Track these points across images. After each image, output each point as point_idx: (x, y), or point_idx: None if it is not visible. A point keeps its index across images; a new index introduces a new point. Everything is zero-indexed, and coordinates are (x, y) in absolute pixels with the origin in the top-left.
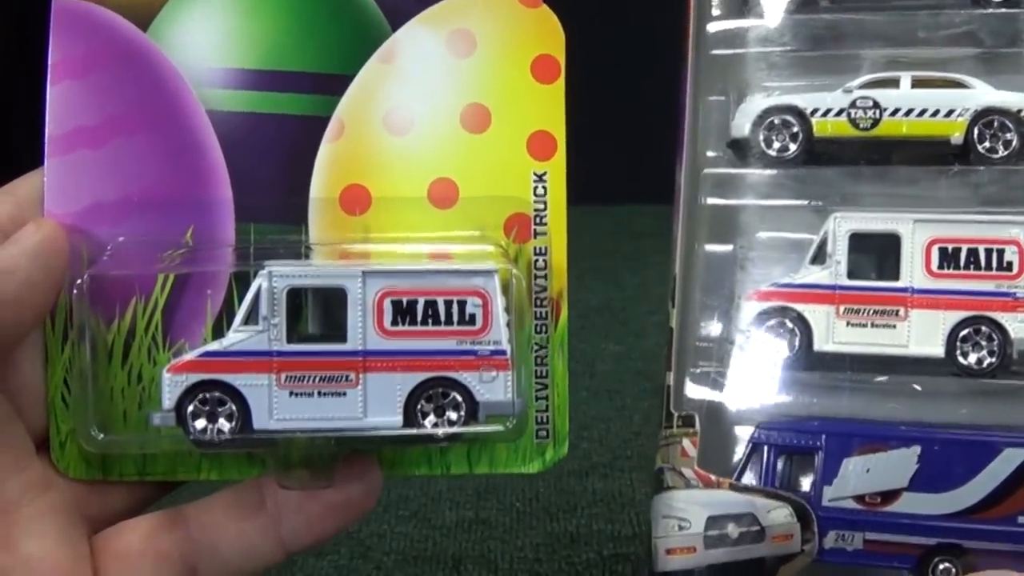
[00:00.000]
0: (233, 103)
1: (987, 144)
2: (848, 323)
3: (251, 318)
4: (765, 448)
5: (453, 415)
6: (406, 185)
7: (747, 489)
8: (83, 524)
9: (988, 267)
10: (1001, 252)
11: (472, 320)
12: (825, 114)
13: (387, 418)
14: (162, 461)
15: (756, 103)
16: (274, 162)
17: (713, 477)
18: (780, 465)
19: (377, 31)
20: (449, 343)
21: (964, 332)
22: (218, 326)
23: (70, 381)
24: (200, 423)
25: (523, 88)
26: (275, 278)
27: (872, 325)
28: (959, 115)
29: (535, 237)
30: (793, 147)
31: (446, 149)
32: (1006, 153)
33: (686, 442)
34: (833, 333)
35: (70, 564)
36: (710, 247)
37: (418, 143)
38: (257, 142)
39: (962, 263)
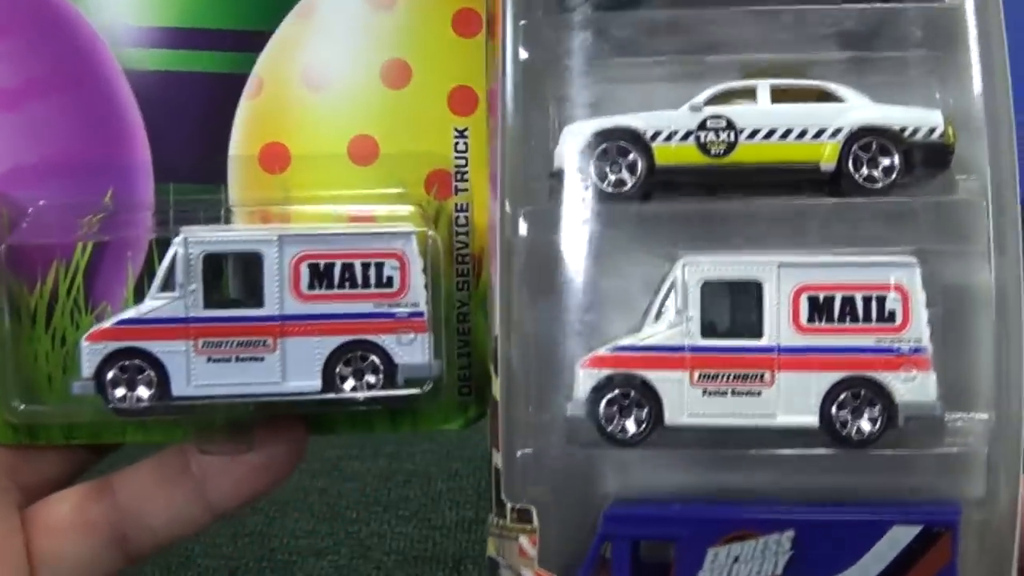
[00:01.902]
0: (151, 62)
1: (864, 171)
2: (704, 391)
3: (168, 284)
4: (616, 539)
5: (372, 378)
6: (326, 142)
7: None
8: (16, 494)
9: (867, 319)
10: (881, 300)
11: (390, 283)
12: (669, 138)
13: (306, 382)
14: (87, 426)
15: (584, 125)
16: (193, 121)
17: None
18: (634, 558)
19: None
20: (367, 306)
21: (841, 396)
22: (139, 288)
23: None
24: (119, 391)
25: (444, 42)
26: (191, 244)
27: (733, 393)
28: (831, 136)
29: (456, 194)
30: (631, 180)
31: (366, 105)
32: (888, 181)
33: (524, 540)
34: (687, 404)
35: (1, 537)
36: (535, 300)
37: (337, 99)
38: (175, 101)
39: (836, 315)
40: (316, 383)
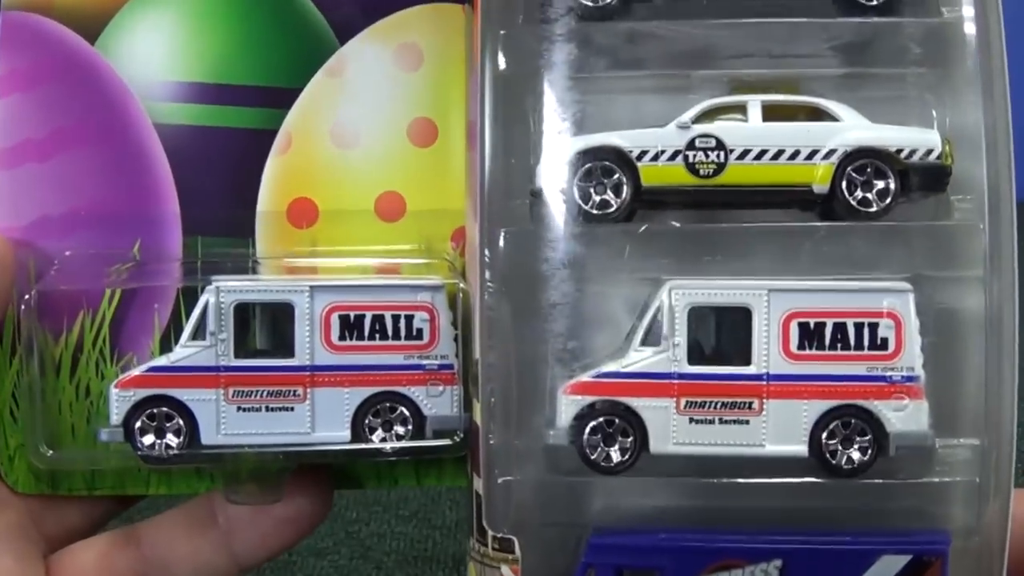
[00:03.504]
0: (181, 116)
1: (858, 194)
2: (691, 419)
3: (199, 333)
4: (599, 568)
5: (400, 430)
6: (353, 198)
7: None
8: (40, 543)
9: (859, 346)
10: (874, 327)
11: (419, 335)
12: (656, 158)
13: (335, 433)
14: (111, 476)
15: (567, 143)
16: (221, 175)
17: None
18: None
19: (325, 45)
20: (396, 358)
21: (831, 425)
22: (166, 339)
23: (18, 396)
24: (148, 439)
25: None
26: (222, 293)
27: (720, 421)
28: (824, 157)
29: None
30: (615, 201)
31: (393, 162)
32: (883, 205)
33: (506, 570)
34: (673, 432)
35: None
36: (516, 324)
37: (365, 156)
38: (204, 155)
39: (827, 342)
40: (345, 434)
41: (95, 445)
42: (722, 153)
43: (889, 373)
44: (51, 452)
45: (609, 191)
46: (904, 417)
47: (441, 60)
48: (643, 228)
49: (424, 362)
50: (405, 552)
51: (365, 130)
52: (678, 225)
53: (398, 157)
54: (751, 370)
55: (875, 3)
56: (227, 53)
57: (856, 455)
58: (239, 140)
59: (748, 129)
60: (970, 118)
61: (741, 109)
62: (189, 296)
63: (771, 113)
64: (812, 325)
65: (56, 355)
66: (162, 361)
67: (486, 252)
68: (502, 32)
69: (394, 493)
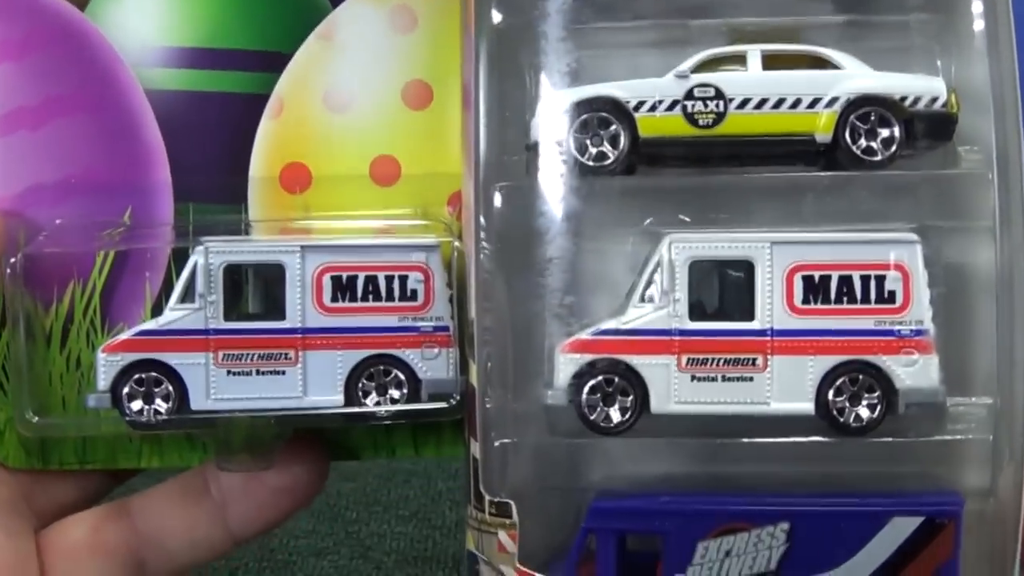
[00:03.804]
0: (171, 82)
1: (862, 143)
2: (693, 377)
3: (188, 295)
4: (600, 533)
5: (395, 393)
6: (347, 163)
7: None
8: (30, 518)
9: (865, 299)
10: (881, 280)
11: (414, 296)
12: (653, 108)
13: (328, 397)
14: (102, 448)
15: (562, 95)
16: (213, 141)
17: None
18: (620, 553)
19: (317, 8)
20: (390, 320)
21: (838, 382)
22: (157, 308)
23: (7, 367)
24: (136, 404)
25: None
26: (212, 254)
27: (723, 378)
28: (827, 105)
29: None
30: (612, 153)
31: (388, 126)
32: (888, 153)
33: (503, 535)
34: (674, 390)
35: (15, 559)
36: (512, 281)
37: (359, 120)
38: (196, 121)
39: (833, 295)
40: (338, 398)
41: (86, 415)
42: (721, 102)
43: (897, 327)
44: (37, 419)
45: (606, 143)
46: (914, 372)
47: (436, 22)
48: (641, 180)
49: (419, 324)
50: (405, 552)
51: (359, 93)
52: (677, 177)
53: (392, 121)
54: (754, 325)
55: None
56: (218, 17)
57: (864, 412)
58: (230, 105)
59: (748, 78)
60: (976, 67)
61: (741, 59)
62: (180, 263)
63: (772, 63)
64: (817, 278)
65: (47, 326)
66: (150, 325)
67: (481, 208)
68: None
69: (394, 493)
